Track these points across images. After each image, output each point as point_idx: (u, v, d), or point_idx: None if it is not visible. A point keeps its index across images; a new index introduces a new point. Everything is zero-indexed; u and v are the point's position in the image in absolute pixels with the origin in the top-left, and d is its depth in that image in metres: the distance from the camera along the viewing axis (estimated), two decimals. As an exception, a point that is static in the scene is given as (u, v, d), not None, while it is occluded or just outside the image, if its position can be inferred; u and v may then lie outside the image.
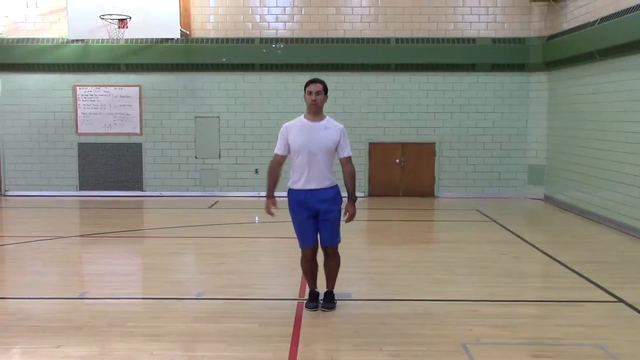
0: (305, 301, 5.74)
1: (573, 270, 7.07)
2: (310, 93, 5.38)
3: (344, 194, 5.55)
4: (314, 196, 5.42)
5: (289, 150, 5.48)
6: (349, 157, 5.58)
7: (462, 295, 6.13)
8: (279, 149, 5.51)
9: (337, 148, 5.50)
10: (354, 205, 5.55)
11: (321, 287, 5.75)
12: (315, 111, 5.43)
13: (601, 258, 7.85)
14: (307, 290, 5.81)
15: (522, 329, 5.16)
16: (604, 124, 10.33)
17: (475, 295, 6.14)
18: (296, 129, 5.44)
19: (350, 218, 5.56)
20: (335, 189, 5.54)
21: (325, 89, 5.46)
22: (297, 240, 5.59)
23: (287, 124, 5.53)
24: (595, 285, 6.48)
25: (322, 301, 5.70)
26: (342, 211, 5.53)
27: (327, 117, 5.54)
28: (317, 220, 5.48)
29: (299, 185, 5.44)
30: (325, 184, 5.46)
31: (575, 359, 4.54)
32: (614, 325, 5.29)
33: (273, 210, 5.54)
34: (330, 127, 5.47)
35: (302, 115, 5.53)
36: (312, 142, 5.37)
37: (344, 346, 4.78)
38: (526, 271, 7.45)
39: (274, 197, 5.55)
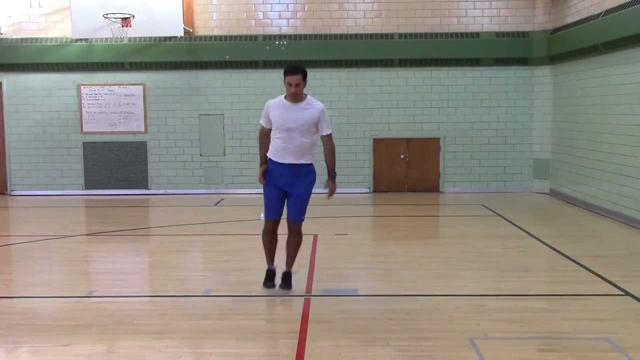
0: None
1: (580, 264, 7.06)
2: (290, 85, 5.62)
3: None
4: (285, 168, 5.68)
5: (270, 124, 5.78)
6: (329, 135, 5.83)
7: (468, 290, 6.13)
8: (264, 123, 5.86)
9: (318, 127, 5.73)
10: (334, 182, 5.86)
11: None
12: (295, 99, 5.67)
13: (608, 252, 7.84)
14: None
15: (529, 323, 5.15)
16: (609, 117, 10.30)
17: (482, 290, 6.14)
18: (276, 108, 5.73)
19: (331, 193, 5.86)
20: (310, 166, 5.80)
21: (305, 76, 5.66)
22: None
23: (269, 101, 5.86)
24: (602, 278, 6.47)
25: (280, 281, 6.02)
26: (323, 188, 5.88)
27: (308, 98, 5.77)
28: (285, 196, 5.77)
29: (275, 157, 5.73)
30: (301, 160, 5.71)
31: (582, 353, 4.54)
32: (621, 319, 5.28)
33: (264, 178, 5.87)
34: (309, 107, 5.71)
35: (284, 95, 5.76)
36: (289, 120, 5.64)
37: (352, 342, 4.78)
38: (533, 265, 7.44)
39: (266, 163, 5.88)
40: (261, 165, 5.92)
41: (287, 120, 5.63)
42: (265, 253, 6.10)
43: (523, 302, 5.75)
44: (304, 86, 5.68)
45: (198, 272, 7.33)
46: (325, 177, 5.90)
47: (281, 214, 5.90)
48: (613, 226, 9.53)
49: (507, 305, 5.64)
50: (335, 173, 5.86)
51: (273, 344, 4.76)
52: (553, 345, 4.71)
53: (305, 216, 5.95)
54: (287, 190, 5.76)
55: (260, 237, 6.09)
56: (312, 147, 5.77)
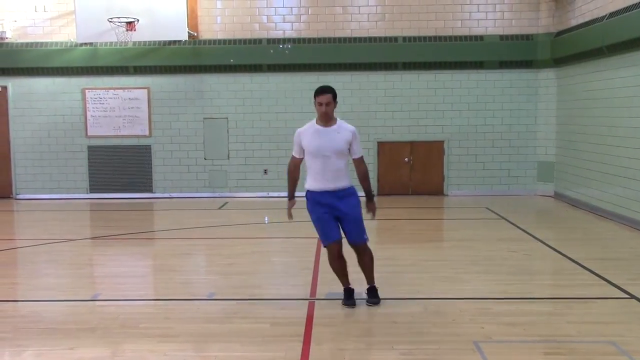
0: (344, 300, 5.74)
1: (585, 267, 7.04)
2: (320, 104, 5.54)
3: (361, 193, 5.70)
4: (330, 196, 5.56)
5: (304, 153, 5.64)
6: (361, 157, 5.75)
7: (473, 293, 6.12)
8: (295, 153, 5.72)
9: (350, 149, 5.63)
10: (373, 202, 5.77)
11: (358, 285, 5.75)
12: (326, 120, 5.57)
13: (613, 255, 7.82)
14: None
15: (534, 326, 5.15)
16: (613, 119, 10.28)
17: (487, 293, 6.14)
18: (308, 134, 5.60)
19: (373, 213, 5.78)
20: (352, 188, 5.69)
21: (335, 96, 5.59)
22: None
23: (299, 129, 5.70)
24: (607, 282, 6.45)
25: (366, 297, 5.80)
26: (366, 211, 5.72)
27: (339, 120, 5.68)
28: (338, 219, 5.60)
29: (315, 187, 5.58)
30: (341, 184, 5.60)
31: (587, 356, 4.53)
32: (626, 322, 5.27)
33: (293, 212, 5.76)
34: (341, 130, 5.61)
35: (314, 120, 5.66)
36: (325, 146, 5.51)
37: (356, 345, 4.78)
38: (537, 268, 7.43)
39: (294, 198, 5.79)
40: (289, 199, 5.79)
41: (321, 145, 5.50)
42: (340, 278, 5.81)
43: (528, 305, 5.74)
44: (335, 106, 5.59)
45: (202, 275, 7.33)
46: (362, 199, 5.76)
47: (341, 234, 5.62)
48: (617, 229, 9.51)
49: (511, 308, 5.63)
50: (374, 194, 5.77)
51: (278, 347, 4.76)
52: (558, 349, 4.70)
53: (367, 235, 5.76)
54: (338, 214, 5.58)
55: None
56: (347, 168, 5.64)
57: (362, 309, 5.70)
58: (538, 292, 6.33)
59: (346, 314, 5.49)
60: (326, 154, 5.50)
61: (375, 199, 6.05)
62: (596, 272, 6.82)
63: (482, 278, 6.72)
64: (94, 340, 4.94)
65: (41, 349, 4.79)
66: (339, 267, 5.73)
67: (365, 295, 5.83)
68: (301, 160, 5.72)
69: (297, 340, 4.87)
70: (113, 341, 4.92)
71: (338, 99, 5.69)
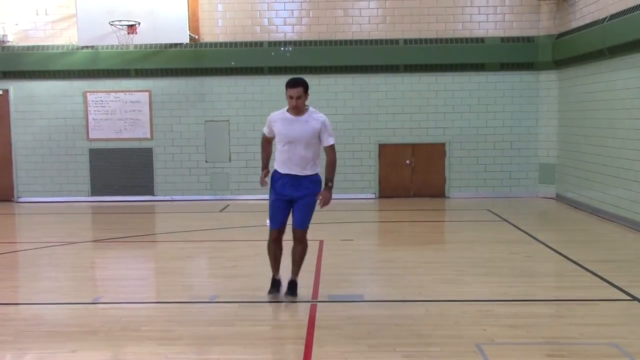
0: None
1: (586, 269, 7.04)
2: (291, 97, 5.71)
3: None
4: (293, 181, 5.74)
5: (273, 134, 5.90)
6: (331, 146, 5.86)
7: (475, 296, 6.11)
8: (266, 132, 6.01)
9: (320, 138, 5.76)
10: (329, 192, 5.83)
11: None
12: (297, 112, 5.74)
13: (615, 256, 7.81)
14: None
15: (536, 328, 5.14)
16: (614, 121, 10.28)
17: (489, 295, 6.13)
18: (279, 120, 5.83)
19: (324, 203, 5.80)
20: (315, 177, 5.85)
21: (306, 89, 5.74)
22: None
23: (272, 113, 5.98)
24: (610, 283, 6.45)
25: (287, 290, 6.01)
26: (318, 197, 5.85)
27: (310, 109, 5.84)
28: (291, 203, 5.81)
29: (281, 169, 5.81)
30: (306, 171, 5.78)
31: (590, 358, 4.52)
32: (628, 324, 5.26)
33: (266, 180, 6.02)
34: (310, 120, 5.75)
35: (286, 108, 5.84)
36: (292, 134, 5.72)
37: (358, 347, 4.78)
38: (539, 270, 7.43)
39: (267, 168, 6.07)
40: (263, 169, 6.09)
41: (289, 134, 5.71)
42: (271, 262, 6.09)
43: (530, 308, 5.74)
44: (306, 99, 5.74)
45: (204, 278, 7.34)
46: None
47: (285, 223, 5.92)
48: (619, 231, 9.50)
49: (513, 310, 5.63)
50: (332, 184, 5.83)
51: (279, 349, 4.76)
52: (560, 351, 4.69)
53: (310, 224, 5.93)
54: (292, 198, 5.79)
55: (266, 245, 6.08)
56: (316, 158, 5.81)
57: (364, 311, 5.70)
58: (540, 294, 6.31)
59: (348, 317, 5.49)
60: (293, 142, 5.69)
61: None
62: (598, 274, 6.81)
63: (484, 280, 6.71)
64: (95, 343, 4.94)
65: (43, 352, 4.79)
66: (273, 251, 6.00)
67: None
68: (272, 139, 5.98)
69: (299, 343, 4.86)
70: (115, 344, 4.92)
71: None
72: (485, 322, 5.28)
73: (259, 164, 13.82)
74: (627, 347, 4.69)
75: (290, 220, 5.96)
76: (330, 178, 5.84)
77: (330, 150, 5.83)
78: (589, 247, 8.43)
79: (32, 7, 13.14)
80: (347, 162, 12.78)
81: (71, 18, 12.85)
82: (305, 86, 5.69)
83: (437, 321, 5.34)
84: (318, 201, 5.80)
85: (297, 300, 5.96)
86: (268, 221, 5.99)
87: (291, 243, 6.05)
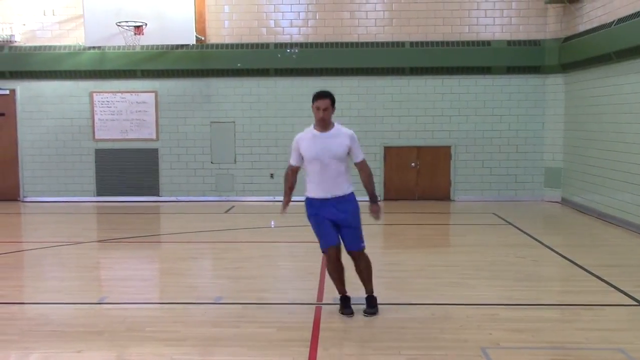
0: (340, 306, 5.70)
1: (593, 274, 7.01)
2: (318, 109, 5.50)
3: (365, 198, 5.63)
4: (330, 202, 5.51)
5: (302, 161, 5.61)
6: (364, 161, 5.72)
7: (481, 299, 6.09)
8: (292, 160, 5.70)
9: (350, 154, 5.61)
10: (377, 204, 5.70)
11: (354, 292, 5.74)
12: (324, 125, 5.54)
13: (621, 261, 7.78)
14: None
15: (542, 333, 5.12)
16: (621, 125, 10.24)
17: (494, 299, 6.11)
18: (307, 140, 5.56)
19: (377, 216, 5.67)
20: (352, 195, 5.64)
21: (333, 102, 5.56)
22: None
23: (298, 136, 5.66)
24: (616, 288, 6.42)
25: (365, 306, 5.71)
26: (365, 214, 5.65)
27: (336, 125, 5.64)
28: (336, 225, 5.54)
29: (315, 194, 5.55)
30: (341, 191, 5.56)
31: (596, 363, 4.51)
32: (635, 329, 5.24)
33: (286, 210, 5.78)
34: (339, 135, 5.57)
35: (312, 126, 5.63)
36: (323, 152, 5.47)
37: (363, 350, 4.77)
38: (545, 275, 7.40)
39: (289, 196, 5.79)
40: (285, 198, 5.77)
41: (319, 151, 5.46)
42: (335, 283, 5.74)
43: (535, 312, 5.72)
44: (333, 112, 5.56)
45: (209, 279, 7.34)
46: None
47: (339, 240, 5.55)
48: (626, 235, 9.46)
49: (519, 314, 5.60)
50: (377, 197, 5.74)
51: (284, 352, 4.75)
52: (566, 356, 4.67)
53: (365, 243, 5.69)
54: (335, 220, 5.54)
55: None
56: (347, 173, 5.62)
57: (369, 314, 5.69)
58: (546, 298, 6.30)
59: (353, 319, 5.48)
60: (325, 160, 5.46)
61: (380, 203, 6.01)
62: (604, 278, 6.78)
63: (489, 284, 6.69)
64: (100, 343, 4.95)
65: (48, 351, 4.79)
66: (336, 272, 5.65)
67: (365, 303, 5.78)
68: (298, 168, 5.70)
69: (304, 345, 4.86)
70: (119, 344, 4.93)
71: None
72: (490, 326, 5.26)
73: (265, 165, 14.03)
74: (634, 352, 4.67)
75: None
76: (372, 192, 5.69)
77: (364, 165, 5.70)
78: (594, 251, 8.40)
79: (39, 8, 13.18)
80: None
81: (78, 19, 12.89)
82: (332, 99, 5.53)
83: (443, 325, 5.32)
84: (370, 215, 5.65)
85: (303, 302, 5.95)
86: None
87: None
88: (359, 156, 5.67)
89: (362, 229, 5.64)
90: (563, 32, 12.58)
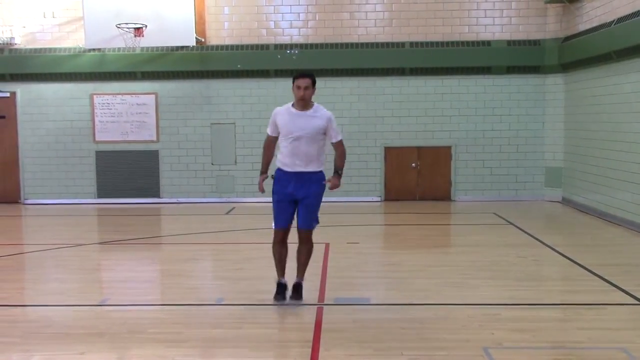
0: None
1: (594, 273, 7.00)
2: (299, 88, 5.65)
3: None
4: (295, 177, 5.69)
5: (277, 132, 5.81)
6: (340, 141, 5.86)
7: (482, 299, 6.09)
8: (269, 131, 5.92)
9: (326, 134, 5.75)
10: (338, 180, 5.82)
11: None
12: (303, 105, 5.68)
13: (622, 260, 7.78)
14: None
15: (544, 332, 5.12)
16: (622, 125, 10.24)
17: (496, 299, 6.10)
18: (283, 115, 5.75)
19: (333, 187, 5.79)
20: (319, 174, 5.80)
21: (314, 82, 5.71)
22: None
23: (277, 109, 5.89)
24: (618, 288, 6.41)
25: (291, 292, 5.92)
26: (326, 182, 5.82)
27: (316, 105, 5.78)
28: (295, 202, 5.75)
29: (283, 167, 5.76)
30: (310, 167, 5.72)
31: (598, 363, 4.50)
32: (637, 328, 5.24)
33: (263, 186, 6.00)
34: (317, 115, 5.71)
35: (291, 103, 5.78)
36: (297, 129, 5.65)
37: (365, 351, 4.76)
38: (546, 274, 7.40)
39: (266, 172, 6.02)
40: (261, 173, 6.03)
41: (294, 128, 5.64)
42: (276, 265, 5.98)
43: (537, 312, 5.71)
44: (313, 92, 5.70)
45: (210, 280, 7.34)
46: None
47: (290, 223, 5.86)
48: (627, 235, 9.46)
49: (521, 314, 5.60)
50: (341, 173, 5.83)
51: (286, 352, 4.75)
52: (568, 355, 4.67)
53: (318, 224, 5.91)
54: (296, 197, 5.74)
55: (271, 247, 6.05)
56: (320, 154, 5.76)
57: (370, 314, 5.69)
58: (547, 298, 6.30)
59: (354, 320, 5.47)
60: (297, 137, 5.62)
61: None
62: (605, 278, 6.78)
63: (490, 284, 6.69)
64: (102, 345, 4.95)
65: (50, 354, 4.79)
66: (279, 252, 5.91)
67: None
68: (275, 138, 5.87)
69: (306, 346, 4.85)
70: (121, 346, 4.92)
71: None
72: (492, 326, 5.25)
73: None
74: (636, 351, 4.66)
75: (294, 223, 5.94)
76: (340, 167, 5.83)
77: (340, 144, 5.83)
78: (596, 250, 8.39)
79: (39, 10, 13.19)
80: (353, 164, 12.74)
81: (78, 21, 12.89)
82: (313, 79, 5.68)
83: (444, 325, 5.32)
84: (327, 186, 5.77)
85: (304, 303, 5.95)
86: (274, 224, 5.97)
87: (296, 245, 6.02)
88: (335, 137, 5.80)
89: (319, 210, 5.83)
90: (563, 31, 12.58)
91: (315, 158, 5.71)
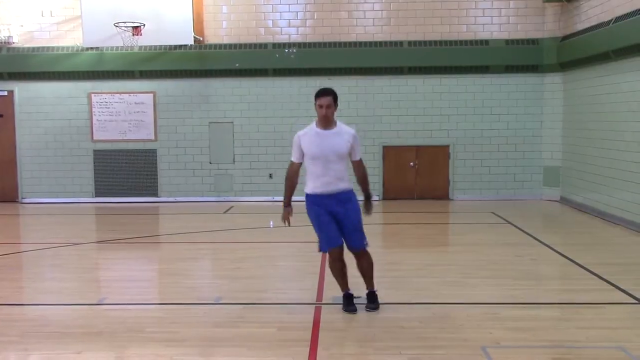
0: (344, 305, 5.72)
1: (592, 272, 7.01)
2: (321, 107, 5.51)
3: (360, 198, 5.67)
4: (331, 199, 5.53)
5: (303, 157, 5.61)
6: (361, 160, 5.76)
7: (480, 298, 6.09)
8: (294, 157, 5.66)
9: (351, 151, 5.64)
10: (371, 203, 5.76)
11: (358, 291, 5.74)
12: (326, 123, 5.55)
13: (620, 259, 7.78)
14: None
15: (542, 331, 5.12)
16: (620, 124, 10.25)
17: (494, 298, 6.10)
18: (309, 137, 5.57)
19: (369, 213, 5.71)
20: (351, 192, 5.67)
21: (335, 99, 5.57)
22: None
23: (299, 132, 5.65)
24: (616, 287, 6.41)
25: (366, 302, 5.75)
26: (363, 212, 5.71)
27: (339, 123, 5.67)
28: (337, 222, 5.55)
29: (316, 191, 5.56)
30: (341, 187, 5.58)
31: (597, 362, 4.51)
32: (635, 327, 5.24)
33: (290, 219, 5.71)
34: (342, 133, 5.60)
35: (314, 123, 5.63)
36: (326, 149, 5.49)
37: (364, 350, 4.76)
38: (545, 273, 7.40)
39: (291, 205, 5.72)
40: (285, 206, 5.69)
41: (322, 149, 5.46)
42: (339, 282, 5.75)
43: (535, 311, 5.71)
44: (335, 109, 5.55)
45: (208, 279, 7.33)
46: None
47: (342, 239, 5.57)
48: (625, 234, 9.47)
49: (519, 313, 5.60)
50: (372, 195, 5.77)
51: (284, 352, 4.75)
52: (566, 354, 4.67)
53: (367, 240, 5.69)
54: (338, 216, 5.54)
55: (328, 265, 5.75)
56: (347, 171, 5.62)
57: (369, 313, 5.68)
58: (545, 297, 6.30)
59: (353, 319, 5.47)
60: (327, 157, 5.48)
61: (380, 202, 6.05)
62: (604, 277, 6.78)
63: (489, 283, 6.69)
64: (100, 344, 4.94)
65: (48, 353, 4.78)
66: (339, 270, 5.68)
67: (365, 300, 5.79)
68: (300, 165, 5.67)
69: (304, 345, 4.85)
70: (119, 345, 4.92)
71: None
72: (490, 325, 5.25)
73: (263, 165, 14.01)
74: (634, 350, 4.66)
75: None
76: (367, 190, 5.73)
77: (361, 163, 5.73)
78: (594, 250, 8.40)
79: (37, 9, 13.16)
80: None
81: (76, 20, 12.88)
82: (334, 96, 5.53)
83: (443, 324, 5.32)
84: (365, 214, 5.68)
85: (302, 302, 5.94)
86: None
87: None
88: (357, 155, 5.70)
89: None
90: (561, 30, 12.59)
91: (345, 177, 5.58)
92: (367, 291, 5.80)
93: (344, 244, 5.61)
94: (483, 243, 8.87)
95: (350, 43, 12.96)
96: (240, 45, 13.04)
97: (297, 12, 13.07)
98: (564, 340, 4.94)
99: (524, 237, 9.21)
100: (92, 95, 13.32)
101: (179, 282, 6.90)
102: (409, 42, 12.92)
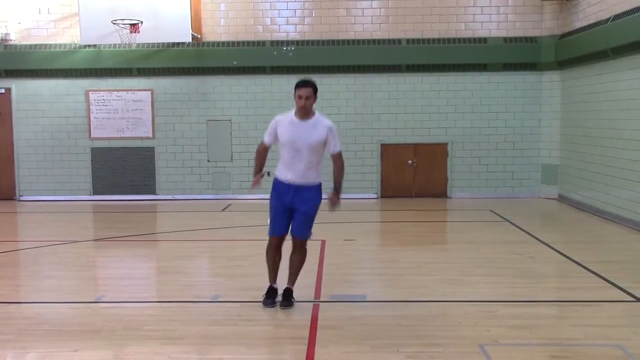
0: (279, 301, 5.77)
1: (590, 270, 7.01)
2: (300, 97, 5.52)
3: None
4: (295, 190, 5.57)
5: (276, 140, 5.68)
6: (339, 153, 5.70)
7: (478, 296, 6.09)
8: (266, 138, 5.76)
9: (326, 145, 5.63)
10: (338, 195, 5.67)
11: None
12: (304, 113, 5.56)
13: (618, 257, 7.78)
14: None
15: (540, 329, 5.12)
16: (618, 122, 10.25)
17: (492, 296, 6.11)
18: (285, 124, 5.62)
19: (332, 205, 5.64)
20: (317, 187, 5.67)
21: (315, 91, 5.58)
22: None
23: (278, 117, 5.73)
24: (613, 285, 6.42)
25: (280, 298, 5.79)
26: (325, 204, 5.67)
27: (317, 115, 5.66)
28: (291, 211, 5.64)
29: (280, 177, 5.64)
30: (309, 180, 5.60)
31: (594, 360, 4.51)
32: (633, 325, 5.24)
33: (261, 180, 5.75)
34: (318, 126, 5.59)
35: (293, 111, 5.65)
36: (298, 139, 5.52)
37: (361, 348, 4.76)
38: (542, 271, 7.40)
39: (262, 172, 5.78)
40: (255, 174, 5.75)
41: (295, 138, 5.50)
42: (268, 270, 5.87)
43: (533, 308, 5.71)
44: (314, 101, 5.55)
45: (206, 277, 7.32)
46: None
47: (286, 231, 5.71)
48: (623, 232, 9.47)
49: (517, 311, 5.60)
50: (340, 188, 5.69)
51: (282, 350, 4.75)
52: (564, 352, 4.67)
53: (311, 233, 5.76)
54: (293, 207, 5.61)
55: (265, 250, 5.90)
56: (319, 164, 5.62)
57: (367, 311, 5.69)
58: (543, 295, 6.30)
59: (351, 317, 5.47)
60: (298, 147, 5.50)
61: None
62: (602, 275, 6.79)
63: (487, 281, 6.69)
64: (97, 342, 4.93)
65: (45, 351, 4.77)
66: (272, 258, 5.82)
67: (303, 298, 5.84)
68: (269, 146, 5.76)
69: (302, 343, 4.84)
70: (117, 343, 4.91)
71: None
72: (488, 323, 5.25)
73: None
74: (632, 348, 4.67)
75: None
76: (339, 182, 5.68)
77: (338, 157, 5.66)
78: (592, 248, 8.41)
79: (34, 6, 13.13)
80: (349, 162, 12.62)
81: (74, 17, 12.84)
82: (314, 87, 5.54)
83: (440, 322, 5.32)
84: (327, 203, 5.63)
85: (300, 300, 5.94)
86: (269, 230, 5.91)
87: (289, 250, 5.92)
88: (335, 148, 5.64)
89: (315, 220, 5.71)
90: (559, 28, 12.59)
91: (315, 168, 5.58)
92: (285, 287, 5.81)
93: (287, 234, 5.71)
94: (481, 241, 8.87)
95: (348, 41, 12.94)
96: (238, 43, 13.02)
97: (295, 9, 13.06)
98: (562, 338, 4.94)
99: (522, 235, 9.21)
100: (90, 92, 13.30)
101: (176, 280, 6.90)
102: (407, 40, 12.91)
